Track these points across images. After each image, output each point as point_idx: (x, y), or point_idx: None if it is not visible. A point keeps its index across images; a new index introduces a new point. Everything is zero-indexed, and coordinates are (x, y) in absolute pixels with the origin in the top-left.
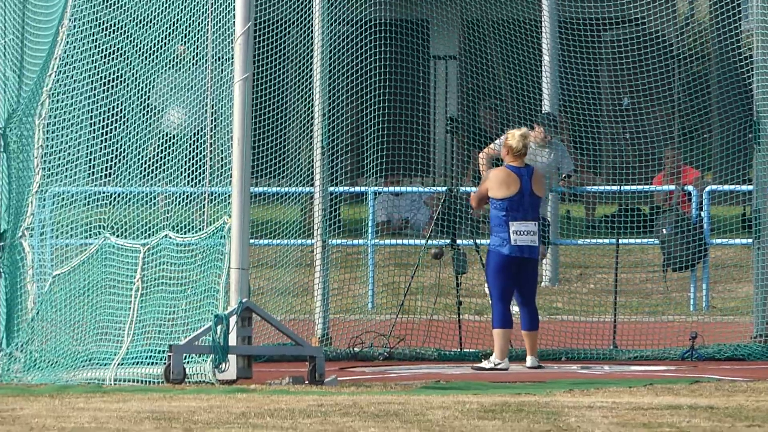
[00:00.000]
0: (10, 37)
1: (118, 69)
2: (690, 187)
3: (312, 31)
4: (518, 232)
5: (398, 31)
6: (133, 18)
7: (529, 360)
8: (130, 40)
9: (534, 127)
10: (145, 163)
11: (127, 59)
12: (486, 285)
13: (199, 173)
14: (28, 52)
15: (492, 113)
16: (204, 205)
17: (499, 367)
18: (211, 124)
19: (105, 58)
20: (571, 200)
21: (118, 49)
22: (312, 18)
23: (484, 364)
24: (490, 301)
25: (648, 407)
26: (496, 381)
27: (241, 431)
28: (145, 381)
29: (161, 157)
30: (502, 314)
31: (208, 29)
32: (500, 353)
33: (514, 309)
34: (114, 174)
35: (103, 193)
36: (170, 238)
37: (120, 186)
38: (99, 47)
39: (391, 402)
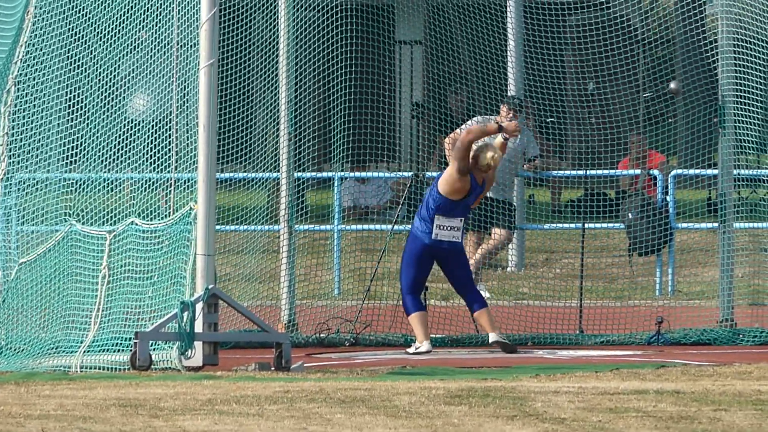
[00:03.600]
0: None
1: (84, 56)
2: (655, 172)
3: (277, 16)
4: (441, 227)
5: (363, 16)
6: (100, 5)
7: (492, 336)
8: (96, 27)
9: (501, 108)
10: (111, 150)
11: (94, 46)
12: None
13: (165, 159)
14: None
15: (459, 98)
16: (170, 191)
17: (420, 350)
18: (177, 110)
19: (71, 45)
20: (536, 185)
21: (84, 35)
22: (277, 3)
23: (409, 350)
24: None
25: (614, 392)
26: (462, 366)
27: (207, 418)
28: (112, 368)
29: (127, 144)
30: (413, 300)
31: (173, 15)
32: (421, 336)
33: (483, 294)
34: (80, 160)
35: (69, 179)
36: (136, 224)
37: (86, 172)
38: (65, 34)
39: (358, 388)
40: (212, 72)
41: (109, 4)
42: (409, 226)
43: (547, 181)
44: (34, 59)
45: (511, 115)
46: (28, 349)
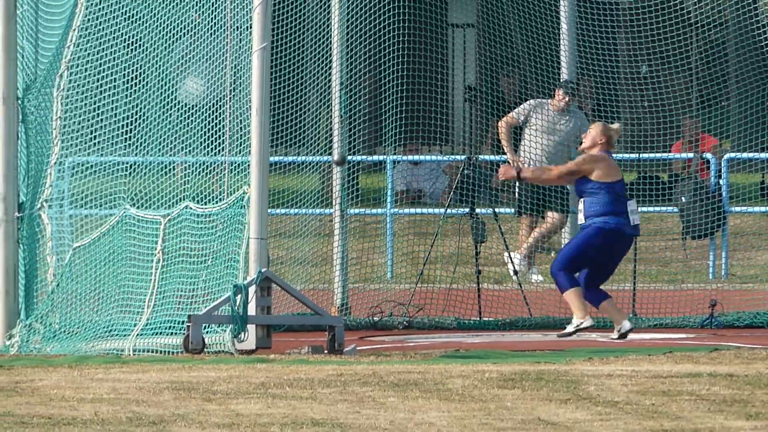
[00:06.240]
0: (25, 8)
1: (136, 39)
2: (708, 155)
3: None
4: (633, 212)
5: None
6: None
7: (627, 324)
8: (149, 10)
9: (555, 92)
10: (165, 133)
11: (146, 29)
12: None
13: (219, 143)
14: (42, 23)
15: (512, 81)
16: (224, 175)
17: (582, 326)
18: (230, 93)
19: (123, 28)
20: None
21: (136, 19)
22: None
23: (568, 329)
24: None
25: (667, 375)
26: (515, 350)
27: (260, 401)
28: (165, 351)
29: (180, 127)
30: (568, 277)
31: None
32: (580, 312)
33: (536, 277)
34: (134, 144)
35: (123, 163)
36: (191, 209)
37: (140, 156)
38: (117, 18)
39: (411, 371)
40: (265, 55)
41: None
42: (462, 210)
43: None
44: (86, 43)
45: (566, 99)
46: (82, 332)
